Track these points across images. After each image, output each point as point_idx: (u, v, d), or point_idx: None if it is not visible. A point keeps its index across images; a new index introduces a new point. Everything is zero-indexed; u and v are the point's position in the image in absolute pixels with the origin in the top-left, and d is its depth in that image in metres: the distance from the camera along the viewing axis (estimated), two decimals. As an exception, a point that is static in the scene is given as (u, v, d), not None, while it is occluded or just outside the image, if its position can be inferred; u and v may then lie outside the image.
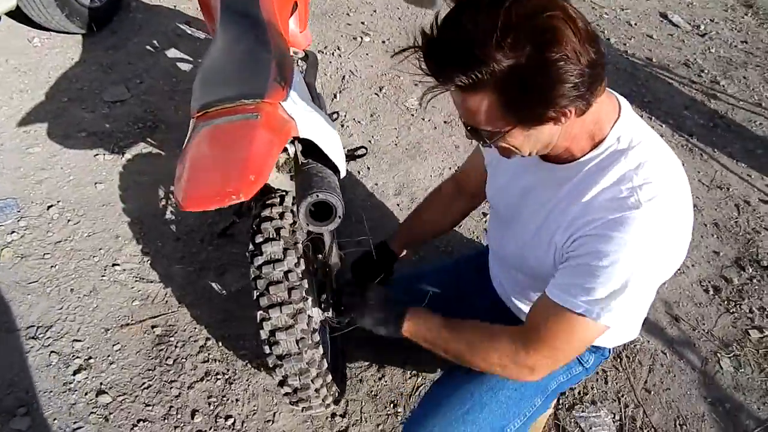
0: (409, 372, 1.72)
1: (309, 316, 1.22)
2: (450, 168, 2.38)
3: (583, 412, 1.69)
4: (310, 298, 1.22)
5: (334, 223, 1.07)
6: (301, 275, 1.20)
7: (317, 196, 1.03)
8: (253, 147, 0.94)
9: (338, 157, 1.18)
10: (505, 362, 1.02)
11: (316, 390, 1.30)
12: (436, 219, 1.48)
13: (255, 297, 1.19)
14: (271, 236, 1.19)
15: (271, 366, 1.25)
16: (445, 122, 2.59)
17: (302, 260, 1.22)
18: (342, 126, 2.52)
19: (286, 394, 1.31)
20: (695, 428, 1.66)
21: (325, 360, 1.30)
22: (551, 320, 0.95)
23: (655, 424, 1.65)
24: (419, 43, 0.80)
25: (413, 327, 1.13)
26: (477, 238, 2.12)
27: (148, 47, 2.82)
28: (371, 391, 1.68)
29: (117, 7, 2.97)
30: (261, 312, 1.19)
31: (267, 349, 1.23)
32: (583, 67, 0.76)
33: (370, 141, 2.46)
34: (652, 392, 1.74)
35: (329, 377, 1.35)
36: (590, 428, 1.65)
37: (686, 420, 1.67)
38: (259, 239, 1.18)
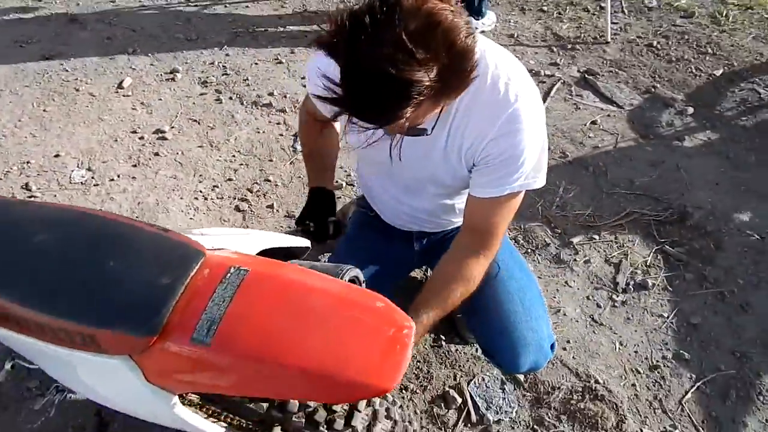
0: None
1: None
2: (202, 191, 2.11)
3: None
4: None
5: None
6: None
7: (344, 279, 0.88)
8: (320, 287, 0.72)
9: (293, 240, 0.98)
10: (476, 273, 1.12)
11: None
12: (328, 143, 1.42)
13: None
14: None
15: None
16: (133, 166, 2.20)
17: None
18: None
19: None
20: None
21: None
22: (494, 212, 1.10)
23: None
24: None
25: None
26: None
27: None
28: None
29: None
30: None
31: None
32: (467, 21, 0.80)
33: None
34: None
35: None
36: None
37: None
38: None
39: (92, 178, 2.14)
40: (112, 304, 0.75)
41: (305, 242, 1.02)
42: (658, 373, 1.70)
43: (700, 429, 1.58)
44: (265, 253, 0.94)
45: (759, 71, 2.89)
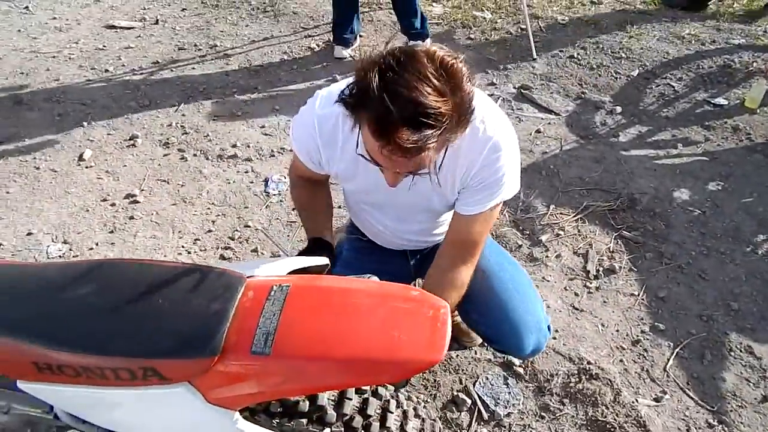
0: None
1: None
2: (184, 246, 2.13)
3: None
4: None
5: None
6: None
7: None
8: (359, 288, 0.81)
9: (313, 260, 1.06)
10: (465, 279, 1.25)
11: None
12: (320, 200, 1.46)
13: None
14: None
15: None
16: (110, 232, 2.21)
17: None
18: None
19: None
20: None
21: None
22: (478, 224, 1.21)
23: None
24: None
25: None
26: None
27: None
28: None
29: None
30: None
31: None
32: (468, 68, 0.91)
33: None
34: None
35: None
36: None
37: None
38: None
39: (70, 250, 2.13)
40: (170, 335, 0.80)
41: (324, 260, 1.11)
42: (641, 346, 1.85)
43: (687, 391, 1.72)
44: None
45: (669, 68, 3.23)
